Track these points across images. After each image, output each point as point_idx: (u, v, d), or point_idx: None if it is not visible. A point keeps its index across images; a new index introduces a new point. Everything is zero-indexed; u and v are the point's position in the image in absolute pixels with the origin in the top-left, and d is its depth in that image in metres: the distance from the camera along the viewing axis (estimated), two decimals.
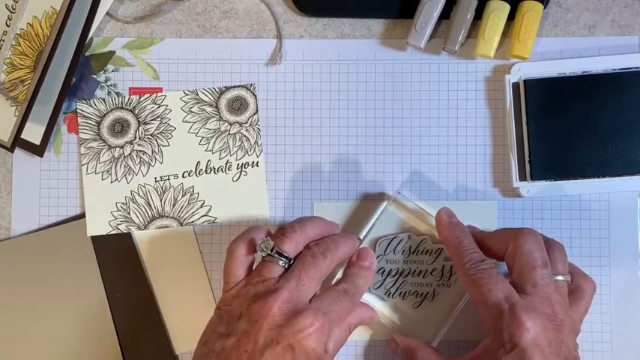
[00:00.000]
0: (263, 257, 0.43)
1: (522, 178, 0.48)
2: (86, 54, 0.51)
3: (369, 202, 0.49)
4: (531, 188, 0.48)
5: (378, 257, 0.47)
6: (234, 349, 0.39)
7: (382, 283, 0.48)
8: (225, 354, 0.40)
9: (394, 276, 0.48)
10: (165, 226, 0.50)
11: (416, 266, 0.48)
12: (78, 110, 0.51)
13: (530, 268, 0.41)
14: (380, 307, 0.48)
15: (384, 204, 0.49)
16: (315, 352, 0.40)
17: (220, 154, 0.50)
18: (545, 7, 0.48)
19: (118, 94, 0.51)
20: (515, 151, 0.48)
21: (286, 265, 0.42)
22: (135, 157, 0.50)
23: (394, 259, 0.48)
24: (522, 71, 0.48)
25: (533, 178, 0.47)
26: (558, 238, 0.48)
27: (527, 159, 0.47)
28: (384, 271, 0.48)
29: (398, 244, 0.48)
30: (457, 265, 0.43)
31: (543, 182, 0.47)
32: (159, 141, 0.50)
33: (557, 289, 0.41)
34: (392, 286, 0.48)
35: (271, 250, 0.42)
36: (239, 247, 0.43)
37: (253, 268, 0.43)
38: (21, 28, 0.49)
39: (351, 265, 0.45)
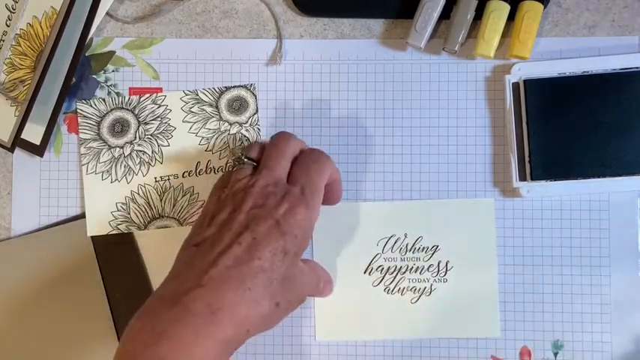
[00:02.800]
0: (233, 167, 0.45)
1: (522, 178, 0.48)
2: (86, 54, 0.51)
3: (369, 201, 0.49)
4: (531, 188, 0.48)
5: (376, 255, 0.49)
6: (216, 234, 0.40)
7: (382, 280, 0.49)
8: (211, 239, 0.40)
9: (392, 273, 0.49)
10: (166, 226, 0.50)
11: (413, 263, 0.49)
12: (78, 110, 0.51)
13: None
14: (380, 302, 0.49)
15: (380, 204, 0.49)
16: (300, 222, 0.41)
17: (220, 154, 0.50)
18: (545, 7, 0.48)
19: (118, 94, 0.51)
20: (515, 151, 0.48)
21: (254, 165, 0.44)
22: (135, 157, 0.50)
23: (392, 256, 0.49)
24: (522, 71, 0.48)
25: (533, 178, 0.47)
26: (558, 238, 0.49)
27: (527, 159, 0.47)
28: (383, 268, 0.49)
29: (395, 242, 0.49)
30: None
31: (543, 182, 0.47)
32: (159, 141, 0.50)
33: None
34: (391, 283, 0.49)
35: (239, 159, 0.44)
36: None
37: None
38: (21, 28, 0.49)
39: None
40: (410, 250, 0.49)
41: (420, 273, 0.49)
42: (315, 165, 0.44)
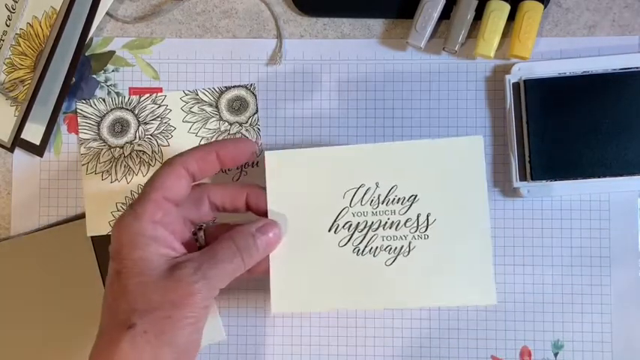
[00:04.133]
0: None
1: (522, 178, 0.48)
2: (86, 54, 0.51)
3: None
4: (531, 188, 0.48)
5: (343, 210, 0.42)
6: None
7: (349, 239, 0.41)
8: None
9: (362, 230, 0.42)
10: None
11: (387, 217, 0.41)
12: (78, 110, 0.51)
13: None
14: (348, 266, 0.41)
15: (340, 148, 0.43)
16: None
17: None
18: (545, 7, 0.48)
19: (118, 94, 0.51)
20: (516, 151, 0.48)
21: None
22: (135, 157, 0.50)
23: (362, 210, 0.42)
24: (522, 71, 0.48)
25: (533, 178, 0.47)
26: (558, 238, 0.48)
27: (527, 159, 0.47)
28: (351, 224, 0.42)
29: (365, 193, 0.42)
30: None
31: (543, 182, 0.47)
32: (159, 141, 0.50)
33: None
34: (360, 242, 0.41)
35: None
36: None
37: None
38: (21, 28, 0.49)
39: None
40: (383, 202, 0.41)
41: (396, 229, 0.41)
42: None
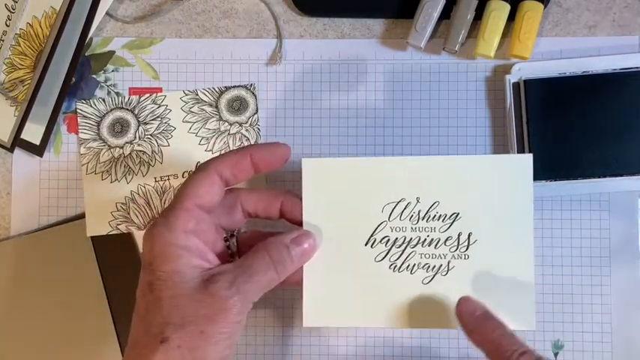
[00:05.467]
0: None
1: None
2: (86, 54, 0.51)
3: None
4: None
5: (381, 224, 0.40)
6: None
7: (386, 255, 0.40)
8: None
9: (400, 246, 0.40)
10: None
11: (426, 234, 0.40)
12: (78, 110, 0.51)
13: None
14: (384, 282, 0.40)
15: (381, 159, 0.42)
16: None
17: (220, 154, 0.50)
18: (545, 7, 0.48)
19: (117, 94, 0.51)
20: (516, 150, 0.48)
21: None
22: (135, 157, 0.50)
23: (400, 225, 0.40)
24: (522, 71, 0.48)
25: (533, 178, 0.47)
26: (558, 238, 0.48)
27: None
28: (389, 240, 0.40)
29: (405, 208, 0.40)
30: None
31: (543, 182, 0.47)
32: (159, 141, 0.50)
33: None
34: (398, 258, 0.40)
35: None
36: None
37: None
38: (21, 28, 0.49)
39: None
40: (423, 218, 0.40)
41: (435, 247, 0.40)
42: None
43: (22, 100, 0.48)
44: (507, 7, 0.47)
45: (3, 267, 0.50)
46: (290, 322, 0.49)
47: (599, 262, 0.48)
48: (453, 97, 0.49)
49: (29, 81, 0.48)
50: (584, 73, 0.47)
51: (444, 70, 0.50)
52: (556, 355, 0.48)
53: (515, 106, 0.48)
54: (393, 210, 0.40)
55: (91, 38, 0.51)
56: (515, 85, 0.48)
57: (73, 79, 0.50)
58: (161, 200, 0.50)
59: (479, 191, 0.40)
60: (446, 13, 0.48)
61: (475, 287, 0.40)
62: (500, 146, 0.49)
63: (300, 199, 0.41)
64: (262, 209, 0.41)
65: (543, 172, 0.47)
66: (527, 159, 0.40)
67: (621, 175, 0.47)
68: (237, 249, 0.41)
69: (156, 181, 0.50)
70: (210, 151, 0.50)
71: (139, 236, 0.50)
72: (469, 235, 0.40)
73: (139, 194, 0.50)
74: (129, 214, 0.50)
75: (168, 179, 0.50)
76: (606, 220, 0.48)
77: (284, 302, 0.49)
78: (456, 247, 0.40)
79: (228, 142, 0.50)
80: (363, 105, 0.50)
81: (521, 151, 0.48)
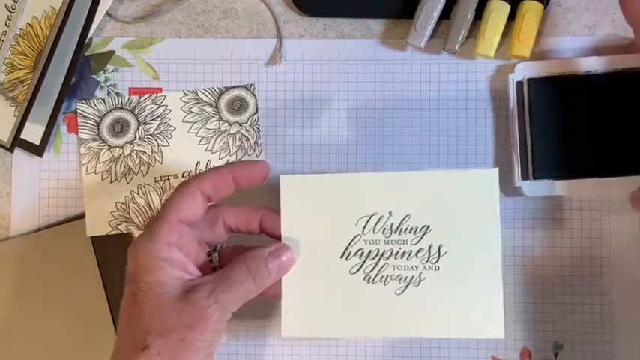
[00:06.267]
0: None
1: (524, 177, 0.48)
2: (86, 54, 0.51)
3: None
4: (533, 187, 0.48)
5: (355, 237, 0.42)
6: None
7: (361, 267, 0.42)
8: None
9: (374, 258, 0.42)
10: None
11: (398, 247, 0.42)
12: (78, 110, 0.51)
13: None
14: (358, 293, 0.42)
15: (354, 175, 0.43)
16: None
17: (220, 154, 0.50)
18: (545, 7, 0.48)
19: (117, 94, 0.51)
20: (518, 149, 0.48)
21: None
22: (135, 157, 0.50)
23: (374, 238, 0.42)
24: (525, 70, 0.48)
25: (535, 177, 0.47)
26: (558, 238, 0.48)
27: (529, 158, 0.47)
28: (363, 252, 0.42)
29: (378, 221, 0.42)
30: None
31: (545, 181, 0.47)
32: (159, 141, 0.50)
33: None
34: (372, 270, 0.42)
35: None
36: None
37: None
38: (20, 28, 0.49)
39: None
40: (395, 231, 0.42)
41: (407, 259, 0.41)
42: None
43: (22, 100, 0.48)
44: (507, 7, 0.47)
45: (3, 267, 0.50)
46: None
47: (599, 262, 0.48)
48: (452, 97, 0.49)
49: (29, 81, 0.48)
50: (587, 73, 0.47)
51: (444, 70, 0.50)
52: (556, 355, 0.48)
53: (519, 105, 0.48)
54: (366, 223, 0.42)
55: (91, 38, 0.51)
56: (519, 84, 0.48)
57: (73, 79, 0.50)
58: (161, 200, 0.50)
59: (448, 205, 0.41)
60: (446, 13, 0.48)
61: (446, 297, 0.41)
62: (500, 146, 0.49)
63: (279, 214, 0.42)
64: (243, 224, 0.43)
65: (545, 170, 0.47)
66: (493, 174, 0.41)
67: (621, 175, 0.47)
68: (220, 263, 0.43)
69: (156, 181, 0.50)
70: (210, 151, 0.50)
71: None
72: (439, 247, 0.41)
73: (138, 194, 0.50)
74: (129, 214, 0.50)
75: (168, 179, 0.50)
76: (606, 220, 0.48)
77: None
78: (427, 259, 0.41)
79: (228, 142, 0.50)
80: (363, 105, 0.50)
81: (523, 149, 0.48)
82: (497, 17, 0.47)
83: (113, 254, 0.50)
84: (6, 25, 0.49)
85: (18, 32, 0.49)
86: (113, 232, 0.50)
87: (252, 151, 0.50)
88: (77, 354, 0.49)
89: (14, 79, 0.49)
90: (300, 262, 0.42)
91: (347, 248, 0.42)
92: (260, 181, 0.43)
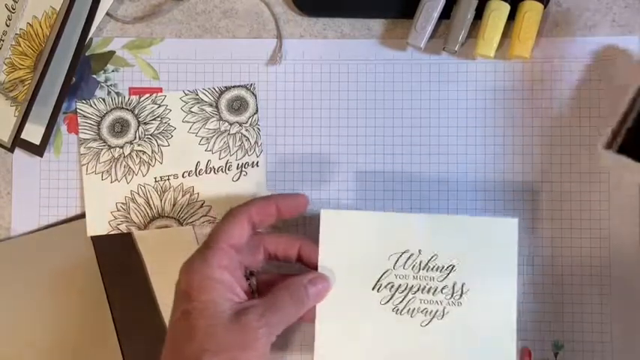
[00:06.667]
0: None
1: (609, 146, 0.44)
2: (86, 54, 0.51)
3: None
4: (612, 158, 0.46)
5: (387, 271, 0.45)
6: None
7: (390, 299, 0.45)
8: None
9: (402, 292, 0.45)
10: (166, 226, 0.50)
11: (425, 283, 0.45)
12: (78, 110, 0.51)
13: None
14: (387, 323, 0.45)
15: (390, 214, 0.46)
16: None
17: (220, 154, 0.50)
18: (545, 7, 0.48)
19: (117, 94, 0.51)
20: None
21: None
22: (135, 157, 0.50)
23: (404, 274, 0.46)
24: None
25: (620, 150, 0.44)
26: (558, 238, 0.48)
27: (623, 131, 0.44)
28: (393, 285, 0.45)
29: (408, 258, 0.46)
30: None
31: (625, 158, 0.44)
32: (159, 141, 0.50)
33: None
34: (400, 302, 0.45)
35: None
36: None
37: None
38: (21, 28, 0.49)
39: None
40: (423, 268, 0.45)
41: (433, 294, 0.45)
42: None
43: (23, 100, 0.48)
44: (507, 7, 0.47)
45: (3, 267, 0.50)
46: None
47: (599, 262, 0.48)
48: (452, 97, 0.49)
49: (29, 81, 0.48)
50: None
51: (443, 70, 0.50)
52: (556, 355, 0.48)
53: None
54: (398, 260, 0.46)
55: (91, 38, 0.51)
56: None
57: (73, 79, 0.50)
58: (161, 200, 0.50)
59: (471, 247, 0.45)
60: (446, 13, 0.48)
61: (465, 331, 0.45)
62: (500, 146, 0.49)
63: (316, 245, 0.46)
64: (282, 252, 0.46)
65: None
66: (513, 223, 0.45)
67: None
68: (257, 288, 0.46)
69: (156, 181, 0.50)
70: (210, 151, 0.50)
71: (139, 236, 0.50)
72: (462, 285, 0.45)
73: (139, 194, 0.50)
74: (129, 214, 0.50)
75: (169, 179, 0.50)
76: (606, 220, 0.48)
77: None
78: (450, 295, 0.45)
79: (228, 142, 0.50)
80: (363, 105, 0.50)
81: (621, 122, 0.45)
82: (497, 17, 0.47)
83: (113, 254, 0.50)
84: (6, 25, 0.49)
85: (18, 32, 0.49)
86: (113, 232, 0.50)
87: (252, 151, 0.50)
88: (77, 353, 0.49)
89: (14, 79, 0.49)
90: (334, 291, 0.45)
91: (378, 281, 0.45)
92: (300, 212, 0.47)
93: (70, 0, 0.47)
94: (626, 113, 0.46)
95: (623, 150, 0.44)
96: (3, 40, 0.49)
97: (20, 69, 0.49)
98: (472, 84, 0.49)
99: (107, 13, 0.51)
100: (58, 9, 0.48)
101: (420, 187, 0.49)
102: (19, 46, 0.49)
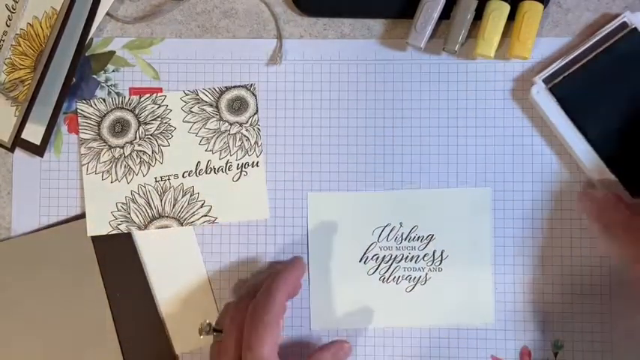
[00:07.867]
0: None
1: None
2: (86, 54, 0.51)
3: (365, 191, 0.50)
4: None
5: (371, 244, 0.49)
6: None
7: (376, 269, 0.49)
8: None
9: (388, 262, 0.49)
10: (166, 226, 0.50)
11: (408, 252, 0.49)
12: (78, 110, 0.51)
13: None
14: (375, 291, 0.49)
15: (370, 193, 0.49)
16: None
17: (220, 154, 0.50)
18: (545, 7, 0.48)
19: (118, 94, 0.51)
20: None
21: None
22: (135, 157, 0.50)
23: (387, 245, 0.49)
24: (540, 80, 0.47)
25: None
26: (558, 238, 0.48)
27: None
28: (378, 257, 0.49)
29: (391, 231, 0.49)
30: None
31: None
32: (159, 141, 0.50)
33: None
34: (386, 272, 0.49)
35: (205, 329, 0.46)
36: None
37: None
38: (21, 28, 0.49)
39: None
40: (405, 239, 0.49)
41: (415, 262, 0.49)
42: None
43: (23, 100, 0.48)
44: (507, 7, 0.47)
45: (3, 267, 0.50)
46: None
47: (599, 261, 0.48)
48: (453, 97, 0.49)
49: (29, 81, 0.48)
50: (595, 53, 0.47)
51: (443, 70, 0.50)
52: (556, 355, 0.48)
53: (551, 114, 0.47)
54: (381, 233, 0.49)
55: (92, 38, 0.51)
56: (543, 95, 0.47)
57: (74, 79, 0.50)
58: (161, 200, 0.50)
59: (449, 217, 0.49)
60: (446, 13, 0.48)
61: (447, 293, 0.49)
62: (499, 146, 0.49)
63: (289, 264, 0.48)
64: (292, 293, 0.47)
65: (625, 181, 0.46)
66: (487, 192, 0.49)
67: None
68: None
69: (156, 181, 0.50)
70: (210, 151, 0.50)
71: (139, 236, 0.50)
72: (442, 252, 0.49)
73: (139, 194, 0.50)
74: (129, 214, 0.50)
75: (169, 179, 0.50)
76: None
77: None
78: (431, 262, 0.49)
79: (228, 142, 0.50)
80: (363, 105, 0.50)
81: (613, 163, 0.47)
82: (497, 17, 0.47)
83: (113, 254, 0.50)
84: (6, 25, 0.49)
85: (18, 32, 0.49)
86: (113, 232, 0.50)
87: (252, 151, 0.50)
88: (77, 354, 0.49)
89: (15, 79, 0.49)
90: (325, 265, 0.49)
91: (365, 254, 0.49)
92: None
93: (71, 0, 0.48)
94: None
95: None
96: (3, 40, 0.49)
97: (20, 69, 0.49)
98: (472, 84, 0.49)
99: (107, 13, 0.51)
100: (58, 9, 0.48)
101: (420, 187, 0.49)
102: (20, 46, 0.49)
